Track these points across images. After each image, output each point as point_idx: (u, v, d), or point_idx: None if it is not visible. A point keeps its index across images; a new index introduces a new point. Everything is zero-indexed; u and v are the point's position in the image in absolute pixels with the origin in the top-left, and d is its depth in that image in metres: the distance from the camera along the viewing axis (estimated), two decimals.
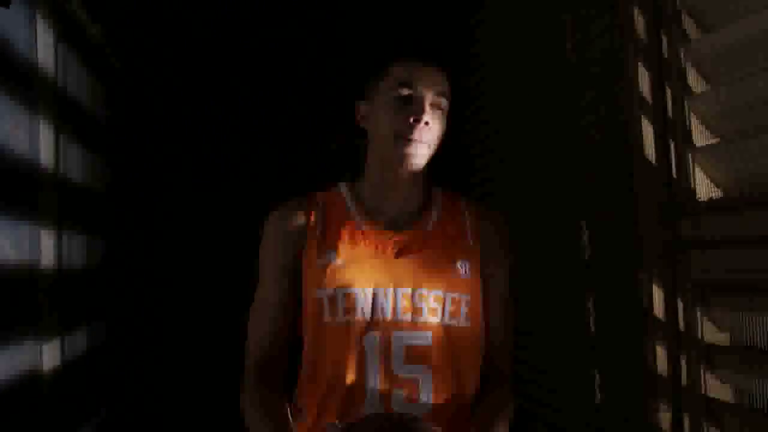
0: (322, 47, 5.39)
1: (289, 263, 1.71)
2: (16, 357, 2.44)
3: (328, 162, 5.46)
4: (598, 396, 2.12)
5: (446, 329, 1.68)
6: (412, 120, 1.62)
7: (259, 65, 5.43)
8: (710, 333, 1.93)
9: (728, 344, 1.92)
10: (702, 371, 1.94)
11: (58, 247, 2.90)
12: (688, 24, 1.99)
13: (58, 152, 2.93)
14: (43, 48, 2.76)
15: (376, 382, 1.61)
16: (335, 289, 1.63)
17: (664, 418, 2.00)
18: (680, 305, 2.00)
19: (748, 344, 1.83)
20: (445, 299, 1.67)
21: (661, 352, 2.01)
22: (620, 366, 2.19)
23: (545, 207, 2.73)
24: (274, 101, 5.59)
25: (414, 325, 1.65)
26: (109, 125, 3.99)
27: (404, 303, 1.65)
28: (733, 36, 1.78)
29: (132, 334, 4.48)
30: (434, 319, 1.67)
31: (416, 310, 1.65)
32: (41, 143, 2.73)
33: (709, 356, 1.92)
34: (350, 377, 1.61)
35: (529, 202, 2.89)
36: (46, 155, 2.77)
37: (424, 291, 1.65)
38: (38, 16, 2.69)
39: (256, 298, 1.78)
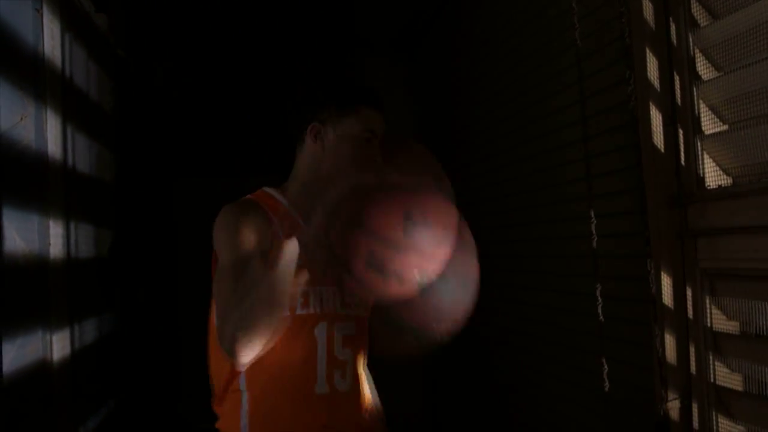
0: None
1: (264, 253, 1.75)
2: (26, 346, 2.45)
3: None
4: (607, 384, 2.12)
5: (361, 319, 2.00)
6: (372, 160, 1.89)
7: (263, 56, 5.43)
8: (719, 321, 1.93)
9: (737, 332, 1.91)
10: (710, 359, 1.94)
11: (67, 237, 2.91)
12: (697, 10, 1.97)
13: (65, 142, 2.93)
14: (50, 38, 2.76)
15: (323, 364, 1.86)
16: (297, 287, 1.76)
17: (673, 406, 2.00)
18: (689, 293, 2.00)
19: (757, 332, 1.82)
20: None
21: (669, 340, 2.01)
22: (629, 354, 2.19)
23: (553, 195, 2.73)
24: (279, 90, 5.58)
25: (347, 316, 1.93)
26: (115, 115, 3.98)
27: (341, 299, 1.92)
28: (742, 22, 1.77)
29: (140, 324, 4.49)
30: (358, 311, 1.97)
31: (346, 304, 1.93)
32: (48, 133, 2.73)
33: (718, 344, 1.92)
34: (303, 361, 1.84)
35: (537, 191, 2.88)
36: (53, 145, 2.77)
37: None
38: (45, 7, 2.69)
39: (230, 269, 1.74)
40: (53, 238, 2.73)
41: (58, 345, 2.75)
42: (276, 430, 1.85)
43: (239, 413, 1.87)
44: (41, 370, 2.61)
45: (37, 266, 2.60)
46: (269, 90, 5.56)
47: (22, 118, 2.48)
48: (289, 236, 1.67)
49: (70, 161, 3.00)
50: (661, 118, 2.04)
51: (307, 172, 1.94)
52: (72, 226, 2.99)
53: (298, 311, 1.85)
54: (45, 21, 2.70)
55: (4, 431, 2.06)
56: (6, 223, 2.25)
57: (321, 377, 1.86)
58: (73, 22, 3.06)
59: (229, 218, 1.86)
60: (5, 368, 2.12)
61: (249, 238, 1.79)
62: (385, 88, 5.29)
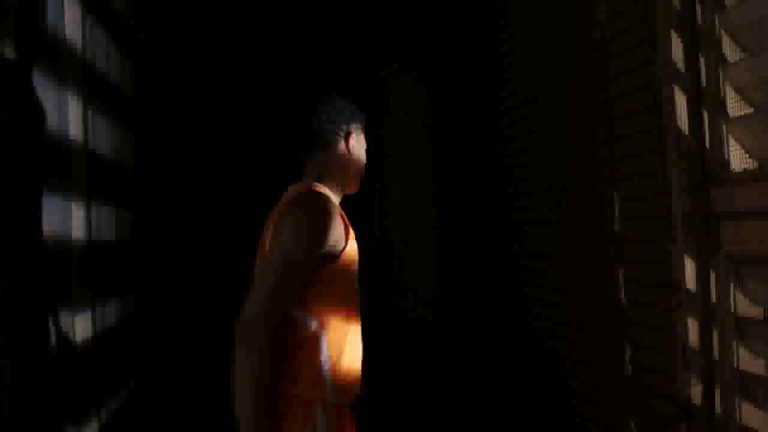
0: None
1: (334, 253, 1.96)
2: (50, 328, 2.48)
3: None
4: (629, 368, 2.11)
5: None
6: None
7: (284, 39, 5.41)
8: (743, 306, 1.91)
9: (761, 317, 1.89)
10: (734, 344, 1.92)
11: (88, 219, 2.92)
12: None
13: (86, 125, 2.94)
14: (71, 21, 2.76)
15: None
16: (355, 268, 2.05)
17: (696, 391, 1.99)
18: (712, 278, 1.98)
19: None
20: None
21: (692, 325, 2.00)
22: (651, 339, 2.18)
23: (576, 179, 2.71)
24: (299, 74, 5.57)
25: None
26: (135, 98, 3.99)
27: None
28: None
29: (160, 305, 4.52)
30: None
31: None
32: (70, 116, 2.74)
33: (742, 329, 1.90)
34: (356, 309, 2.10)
35: (561, 175, 2.87)
36: (75, 128, 2.78)
37: None
38: None
39: (290, 267, 1.90)
40: (75, 220, 2.75)
41: (80, 326, 2.77)
42: (351, 369, 2.01)
43: (319, 358, 1.96)
44: (64, 351, 2.63)
45: (59, 248, 2.62)
46: (284, 78, 5.56)
47: (44, 102, 2.49)
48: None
49: (91, 144, 3.02)
50: (686, 100, 2.02)
51: (338, 172, 2.17)
52: (93, 208, 3.01)
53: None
54: (66, 4, 2.71)
55: (29, 411, 2.08)
56: (29, 206, 2.26)
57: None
58: (93, 6, 3.06)
59: (320, 217, 1.95)
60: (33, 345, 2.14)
61: (324, 241, 1.92)
62: (408, 80, 5.29)
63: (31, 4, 2.36)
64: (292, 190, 2.11)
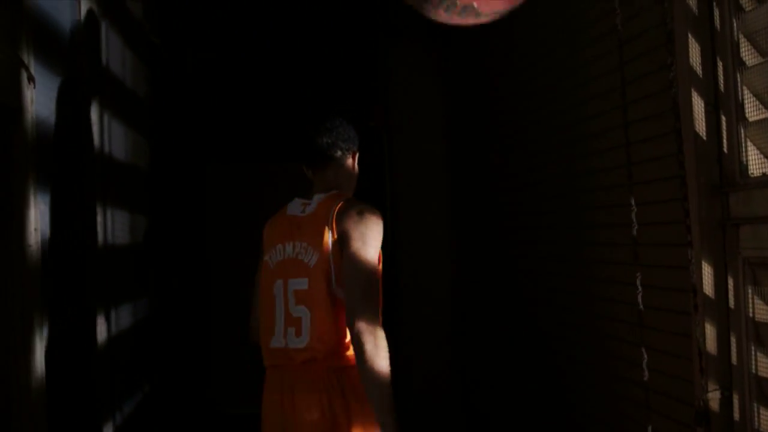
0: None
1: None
2: (65, 332, 2.49)
3: (368, 138, 5.46)
4: (646, 374, 2.10)
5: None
6: None
7: (298, 44, 5.43)
8: (760, 311, 1.90)
9: None
10: (752, 350, 1.91)
11: (104, 223, 2.94)
12: None
13: (102, 129, 2.95)
14: (88, 25, 2.78)
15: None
16: None
17: (713, 397, 1.97)
18: (730, 283, 1.97)
19: None
20: None
21: (710, 330, 1.99)
22: (668, 344, 2.17)
23: (593, 182, 2.70)
24: (312, 78, 5.58)
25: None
26: (149, 101, 4.01)
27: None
28: None
29: (173, 309, 4.53)
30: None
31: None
32: (86, 120, 2.75)
33: (760, 335, 1.89)
34: None
35: (577, 178, 2.86)
36: (90, 133, 2.80)
37: None
38: None
39: (377, 269, 2.26)
40: (90, 222, 2.77)
41: (97, 329, 2.78)
42: None
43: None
44: (80, 353, 2.65)
45: (74, 252, 2.63)
46: (297, 77, 5.57)
47: (60, 105, 2.50)
48: None
49: (106, 148, 3.03)
50: (703, 104, 2.01)
51: (345, 185, 2.50)
52: (108, 212, 3.02)
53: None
54: (82, 8, 2.72)
55: (49, 415, 2.09)
56: (45, 209, 2.27)
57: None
58: (109, 9, 3.08)
59: (379, 224, 2.32)
60: (46, 352, 2.15)
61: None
62: (417, 74, 5.28)
63: (49, 7, 2.38)
64: (326, 199, 2.35)
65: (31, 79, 2.06)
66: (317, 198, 2.38)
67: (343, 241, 2.23)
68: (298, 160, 2.54)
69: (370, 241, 2.24)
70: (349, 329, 2.17)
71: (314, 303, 2.25)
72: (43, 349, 2.09)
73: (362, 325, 2.11)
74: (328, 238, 2.26)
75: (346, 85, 5.91)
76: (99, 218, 2.87)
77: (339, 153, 2.46)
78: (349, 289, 2.19)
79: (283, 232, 2.38)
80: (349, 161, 2.52)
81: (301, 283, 2.28)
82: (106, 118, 3.01)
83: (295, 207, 2.43)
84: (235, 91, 5.53)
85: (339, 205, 2.30)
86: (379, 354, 2.11)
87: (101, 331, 2.85)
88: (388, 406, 2.10)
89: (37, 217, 2.08)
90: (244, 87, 5.53)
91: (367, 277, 2.19)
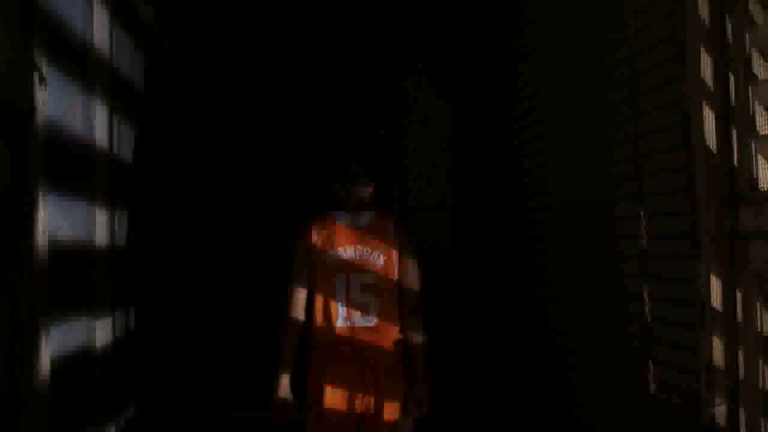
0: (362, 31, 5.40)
1: None
2: (72, 333, 2.49)
3: (376, 145, 5.45)
4: (653, 387, 2.09)
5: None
6: None
7: (307, 47, 5.44)
8: None
9: None
10: (760, 364, 1.90)
11: (111, 226, 2.94)
12: (755, 8, 1.93)
13: (111, 133, 2.96)
14: (99, 29, 2.79)
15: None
16: None
17: (720, 411, 1.96)
18: (738, 296, 1.97)
19: None
20: None
21: (717, 344, 1.98)
22: (675, 357, 2.16)
23: (602, 194, 2.70)
24: (321, 84, 5.58)
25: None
26: (158, 105, 4.02)
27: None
28: None
29: (176, 313, 4.53)
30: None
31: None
32: (96, 123, 2.76)
33: (767, 349, 1.88)
34: None
35: (585, 189, 2.85)
36: (100, 136, 2.80)
37: None
38: None
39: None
40: (98, 226, 2.76)
41: (101, 333, 2.78)
42: None
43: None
44: (85, 356, 2.64)
45: (82, 254, 2.63)
46: (317, 77, 5.58)
47: (71, 107, 2.51)
48: None
49: (115, 149, 3.04)
50: (714, 117, 2.00)
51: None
52: (117, 214, 3.03)
53: None
54: (95, 11, 2.73)
55: (50, 417, 2.09)
56: (53, 210, 2.28)
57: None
58: (121, 13, 3.09)
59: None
60: (51, 354, 2.15)
61: None
62: (429, 86, 5.27)
63: (61, 10, 2.39)
64: (378, 216, 3.11)
65: (42, 80, 2.06)
66: (368, 214, 3.08)
67: (402, 249, 3.04)
68: (339, 180, 3.07)
69: (416, 251, 3.09)
70: (409, 310, 3.03)
71: (380, 292, 2.99)
72: (49, 353, 2.09)
73: (417, 308, 3.04)
74: (393, 246, 3.03)
75: (357, 92, 5.92)
76: (107, 219, 2.87)
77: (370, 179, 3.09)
78: (408, 284, 3.04)
79: (342, 237, 3.03)
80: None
81: (368, 278, 3.00)
82: (115, 119, 3.02)
83: (344, 218, 3.06)
84: (243, 98, 5.54)
85: (392, 222, 3.12)
86: (423, 328, 3.04)
87: (106, 334, 2.85)
88: (425, 363, 3.02)
89: (46, 219, 2.08)
90: (252, 87, 5.53)
91: (418, 277, 3.07)
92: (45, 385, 2.02)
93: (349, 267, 2.99)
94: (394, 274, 3.02)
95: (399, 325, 3.01)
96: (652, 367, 2.09)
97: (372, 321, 2.97)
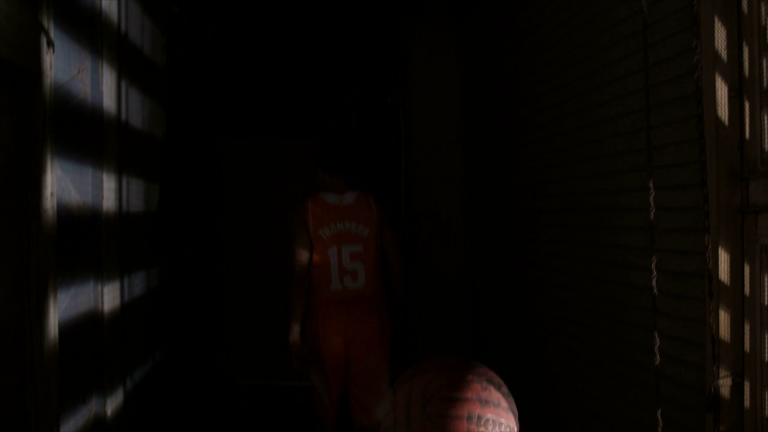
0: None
1: None
2: (79, 296, 2.50)
3: (385, 116, 5.44)
4: (658, 358, 2.09)
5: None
6: None
7: (316, 16, 5.40)
8: None
9: None
10: (766, 337, 1.90)
11: (119, 191, 2.95)
12: None
13: (119, 97, 2.95)
14: None
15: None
16: None
17: (724, 383, 1.97)
18: (746, 270, 1.96)
19: None
20: None
21: (724, 317, 1.98)
22: (682, 330, 2.16)
23: (611, 166, 2.68)
24: (330, 54, 5.55)
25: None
26: (167, 72, 4.00)
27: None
28: None
29: (185, 279, 4.55)
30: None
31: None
32: (104, 87, 2.75)
33: None
34: None
35: (594, 161, 2.84)
36: (108, 100, 2.80)
37: None
38: None
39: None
40: (106, 191, 2.77)
41: (109, 296, 2.80)
42: None
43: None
44: (92, 320, 2.66)
45: (90, 218, 2.64)
46: (311, 54, 5.55)
47: (79, 72, 2.50)
48: None
49: (123, 116, 3.03)
50: (727, 89, 1.98)
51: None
52: (124, 180, 3.03)
53: None
54: None
55: (58, 379, 2.11)
56: (61, 174, 2.28)
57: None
58: None
59: None
60: (59, 317, 2.16)
61: None
62: (436, 53, 5.26)
63: None
64: (360, 195, 3.73)
65: (50, 44, 2.06)
66: (351, 193, 3.72)
67: (382, 223, 3.69)
68: (325, 169, 3.68)
69: (393, 222, 3.78)
70: (395, 269, 3.72)
71: (367, 260, 3.63)
72: (57, 313, 2.10)
73: (401, 267, 3.75)
74: (377, 220, 3.67)
75: (364, 62, 5.88)
76: (115, 185, 2.88)
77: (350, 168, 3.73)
78: (392, 250, 3.72)
79: (330, 214, 3.63)
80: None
81: (356, 248, 3.62)
82: (123, 85, 3.01)
83: (332, 198, 3.68)
84: (252, 64, 5.52)
85: (372, 198, 3.73)
86: (407, 287, 3.79)
87: (114, 298, 2.87)
88: (407, 306, 3.77)
89: (54, 182, 2.08)
90: (262, 61, 5.51)
91: (399, 242, 3.77)
92: (53, 347, 2.04)
93: (340, 239, 3.60)
94: (378, 244, 3.65)
95: (381, 288, 3.68)
96: (657, 339, 2.09)
97: (361, 283, 3.60)
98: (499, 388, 1.50)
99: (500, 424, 1.44)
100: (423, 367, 1.54)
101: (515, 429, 1.48)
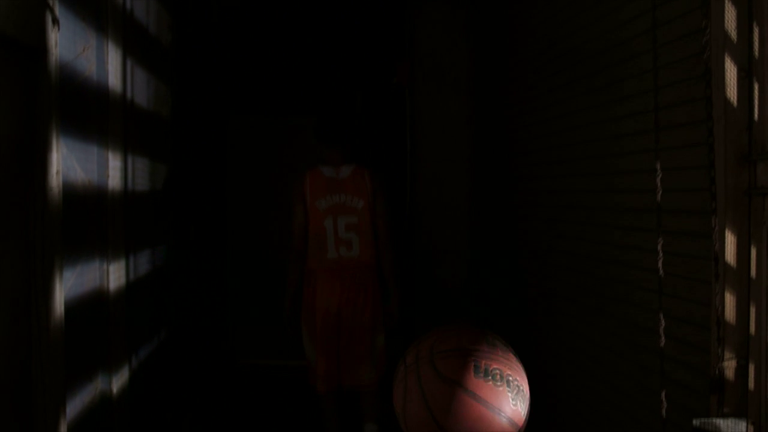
0: None
1: None
2: (85, 275, 2.51)
3: (391, 95, 5.42)
4: (663, 340, 2.09)
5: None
6: None
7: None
8: None
9: None
10: None
11: (124, 169, 2.94)
12: None
13: (125, 75, 2.94)
14: None
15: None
16: None
17: (729, 366, 1.97)
18: (753, 252, 1.95)
19: None
20: None
21: (729, 299, 1.97)
22: (687, 311, 2.16)
23: (618, 147, 2.67)
24: (336, 33, 5.52)
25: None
26: (173, 50, 3.99)
27: None
28: None
29: (190, 258, 4.56)
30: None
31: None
32: (109, 65, 2.74)
33: None
34: None
35: (601, 141, 2.83)
36: (114, 78, 2.79)
37: None
38: None
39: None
40: (112, 170, 2.77)
41: (114, 275, 2.80)
42: None
43: None
44: (98, 298, 2.67)
45: (95, 197, 2.64)
46: (317, 32, 5.52)
47: (84, 50, 2.49)
48: None
49: (129, 94, 3.02)
50: (736, 70, 1.97)
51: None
52: (130, 158, 3.03)
53: None
54: None
55: (64, 357, 2.12)
56: (66, 152, 2.28)
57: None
58: None
59: None
60: (65, 295, 2.17)
61: None
62: (443, 31, 5.22)
63: None
64: (356, 168, 3.89)
65: (55, 21, 2.05)
66: (347, 167, 3.89)
67: (376, 194, 3.87)
68: (325, 143, 3.90)
69: (386, 196, 3.92)
70: (382, 237, 3.88)
71: (361, 230, 3.84)
72: (63, 291, 2.11)
73: (388, 234, 3.91)
74: (370, 192, 3.84)
75: (370, 40, 5.86)
76: (120, 164, 2.87)
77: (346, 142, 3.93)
78: (382, 222, 3.88)
79: (326, 187, 3.82)
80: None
81: (351, 219, 3.82)
82: (129, 63, 3.00)
83: (329, 171, 3.87)
84: (258, 42, 5.50)
85: (368, 172, 3.89)
86: (394, 254, 3.94)
87: (119, 276, 2.87)
88: (396, 280, 3.93)
89: (60, 160, 2.08)
90: (268, 39, 5.48)
91: (389, 216, 3.93)
92: (59, 324, 2.05)
93: (336, 210, 3.82)
94: (372, 216, 3.85)
95: (374, 256, 3.87)
96: (662, 320, 2.09)
97: (355, 252, 3.82)
98: (506, 346, 1.51)
99: (509, 377, 1.44)
100: (430, 332, 1.55)
101: (525, 388, 1.48)
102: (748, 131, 1.96)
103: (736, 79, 1.97)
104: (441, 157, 5.31)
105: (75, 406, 2.38)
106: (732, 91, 1.98)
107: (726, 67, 1.97)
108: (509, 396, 1.43)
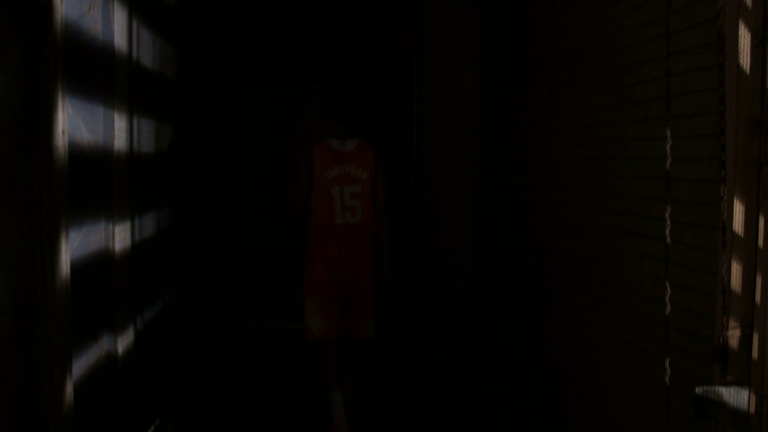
0: None
1: None
2: (91, 235, 2.51)
3: (399, 61, 5.38)
4: (669, 308, 2.09)
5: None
6: None
7: None
8: None
9: None
10: None
11: (130, 130, 2.93)
12: None
13: (131, 35, 2.92)
14: None
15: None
16: None
17: (733, 335, 1.96)
18: (761, 222, 1.94)
19: None
20: None
21: (736, 269, 1.96)
22: (693, 280, 2.16)
23: (628, 114, 2.65)
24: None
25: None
26: (179, 12, 3.95)
27: None
28: None
29: (195, 221, 4.56)
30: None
31: None
32: (115, 25, 2.72)
33: None
34: None
35: (611, 109, 2.80)
36: (119, 38, 2.76)
37: None
38: None
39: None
40: (117, 131, 2.76)
41: (120, 236, 2.81)
42: None
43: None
44: (103, 259, 2.67)
45: (101, 158, 2.63)
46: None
47: (90, 9, 2.46)
48: None
49: (135, 55, 3.00)
50: (750, 37, 1.93)
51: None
52: (135, 120, 3.01)
53: None
54: None
55: (71, 318, 2.12)
56: (72, 112, 2.27)
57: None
58: None
59: None
60: (71, 255, 2.17)
61: None
62: (452, 8, 5.15)
63: None
64: (361, 142, 4.32)
65: None
66: (352, 141, 4.30)
67: (377, 166, 4.29)
68: (335, 119, 4.28)
69: (386, 170, 4.35)
70: (382, 211, 4.28)
71: (363, 199, 4.24)
72: (69, 252, 2.11)
73: (385, 200, 4.31)
74: (373, 165, 4.26)
75: (377, 4, 5.80)
76: (126, 125, 2.86)
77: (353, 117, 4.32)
78: (381, 194, 4.29)
79: (334, 158, 4.23)
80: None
81: (356, 189, 4.23)
82: (135, 24, 2.97)
83: (336, 144, 4.28)
84: (265, 6, 5.44)
85: (371, 147, 4.31)
86: (390, 221, 4.35)
87: (124, 237, 2.88)
88: (390, 243, 4.35)
89: (65, 120, 2.07)
90: (274, 3, 5.43)
91: (390, 190, 4.37)
92: (65, 285, 2.05)
93: (342, 180, 4.22)
94: (373, 186, 4.27)
95: (374, 223, 4.27)
96: (668, 288, 2.08)
97: (359, 218, 4.24)
98: None
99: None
100: None
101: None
102: (760, 100, 1.93)
103: (749, 46, 1.94)
104: (447, 126, 5.28)
105: (81, 365, 2.40)
106: (745, 59, 1.95)
107: (740, 33, 1.94)
108: None
